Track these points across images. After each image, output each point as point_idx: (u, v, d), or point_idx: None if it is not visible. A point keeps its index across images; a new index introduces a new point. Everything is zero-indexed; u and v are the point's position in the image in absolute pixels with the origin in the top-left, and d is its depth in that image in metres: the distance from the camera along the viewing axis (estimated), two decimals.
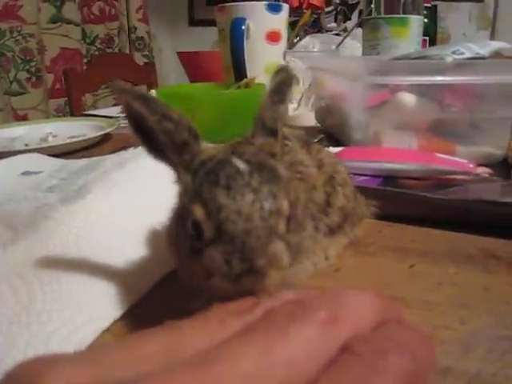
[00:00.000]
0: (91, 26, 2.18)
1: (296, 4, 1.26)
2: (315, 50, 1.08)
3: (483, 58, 0.54)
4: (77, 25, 2.05)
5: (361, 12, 1.35)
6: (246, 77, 0.72)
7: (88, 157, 0.53)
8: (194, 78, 1.07)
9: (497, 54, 0.55)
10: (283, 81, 0.23)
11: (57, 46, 1.98)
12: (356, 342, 0.14)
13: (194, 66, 1.06)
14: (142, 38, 2.37)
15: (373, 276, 0.29)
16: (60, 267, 0.26)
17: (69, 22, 2.01)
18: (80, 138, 0.65)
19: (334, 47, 1.03)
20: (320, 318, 0.14)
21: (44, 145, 0.63)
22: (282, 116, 0.22)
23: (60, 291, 0.25)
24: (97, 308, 0.24)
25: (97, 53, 2.21)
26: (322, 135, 0.65)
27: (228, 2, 0.75)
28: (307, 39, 1.13)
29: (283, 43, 0.77)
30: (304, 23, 1.20)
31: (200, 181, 0.19)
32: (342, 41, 1.02)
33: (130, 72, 1.75)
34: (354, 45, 1.07)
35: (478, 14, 2.52)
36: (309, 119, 0.76)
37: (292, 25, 1.14)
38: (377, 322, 0.15)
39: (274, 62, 0.76)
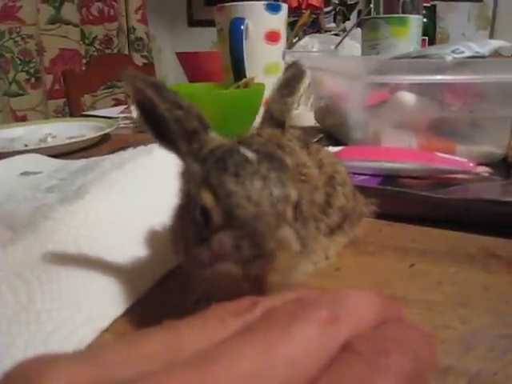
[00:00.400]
0: (90, 27, 2.18)
1: (295, 4, 1.27)
2: (314, 49, 1.09)
3: (483, 56, 0.54)
4: (76, 26, 2.05)
5: (359, 12, 1.35)
6: (245, 77, 0.72)
7: (87, 157, 0.53)
8: (193, 79, 1.07)
9: (496, 54, 0.55)
10: (293, 75, 0.24)
11: (56, 46, 1.98)
12: (357, 340, 0.14)
13: (193, 66, 1.06)
14: (140, 39, 2.37)
15: (373, 275, 0.29)
16: (59, 267, 0.26)
17: (68, 23, 2.01)
18: (79, 139, 0.65)
19: (332, 47, 1.03)
20: (321, 316, 0.14)
21: (43, 145, 0.63)
22: (290, 109, 0.23)
23: (59, 291, 0.25)
24: (96, 307, 0.24)
25: (96, 53, 2.21)
26: (321, 135, 0.65)
27: (227, 2, 0.75)
28: (306, 39, 1.13)
29: (282, 43, 0.77)
30: (303, 23, 1.20)
31: (209, 168, 0.19)
32: (341, 41, 1.03)
33: None
34: (352, 45, 1.07)
35: (477, 13, 2.52)
36: (308, 119, 0.76)
37: (291, 25, 1.14)
38: (377, 321, 0.15)
39: (273, 61, 0.76)
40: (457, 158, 0.44)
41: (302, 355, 0.13)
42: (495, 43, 0.56)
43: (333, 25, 1.40)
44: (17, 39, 1.80)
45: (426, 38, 1.23)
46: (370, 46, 0.90)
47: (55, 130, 0.73)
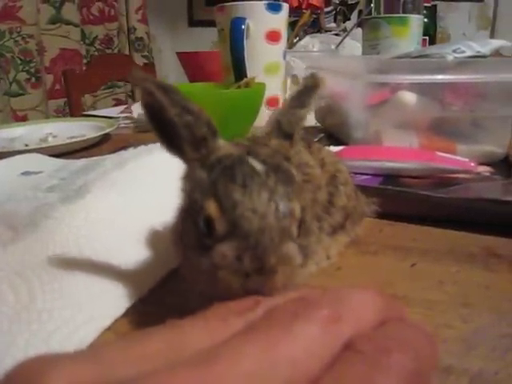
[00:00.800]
0: (90, 27, 2.18)
1: (295, 4, 1.27)
2: (315, 49, 1.09)
3: (484, 56, 0.54)
4: (76, 25, 2.06)
5: (360, 12, 1.35)
6: (245, 76, 0.72)
7: (88, 157, 0.53)
8: (193, 78, 1.07)
9: (497, 54, 0.55)
10: (307, 87, 0.23)
11: (56, 46, 1.98)
12: (359, 340, 0.14)
13: (194, 66, 1.06)
14: (141, 39, 2.37)
15: (374, 275, 0.29)
16: (60, 266, 0.26)
17: (68, 23, 2.01)
18: (79, 139, 0.65)
19: (333, 47, 1.03)
20: (323, 316, 0.14)
21: (44, 145, 0.63)
22: (300, 121, 0.23)
23: (60, 290, 0.24)
24: (98, 307, 0.24)
25: (96, 53, 2.21)
26: (322, 134, 0.65)
27: (227, 2, 0.75)
28: (307, 39, 1.13)
29: (283, 43, 0.77)
30: (303, 23, 1.20)
31: (215, 177, 0.19)
32: (342, 41, 1.03)
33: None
34: (353, 45, 1.07)
35: (478, 13, 2.52)
36: (309, 119, 0.76)
37: (292, 25, 1.14)
38: (379, 321, 0.15)
39: (273, 61, 0.76)
40: (458, 157, 0.44)
41: (304, 354, 0.13)
42: (496, 43, 0.56)
43: (333, 25, 1.40)
44: (17, 39, 1.80)
45: (427, 37, 1.23)
46: (371, 45, 0.90)
47: (56, 130, 0.73)
